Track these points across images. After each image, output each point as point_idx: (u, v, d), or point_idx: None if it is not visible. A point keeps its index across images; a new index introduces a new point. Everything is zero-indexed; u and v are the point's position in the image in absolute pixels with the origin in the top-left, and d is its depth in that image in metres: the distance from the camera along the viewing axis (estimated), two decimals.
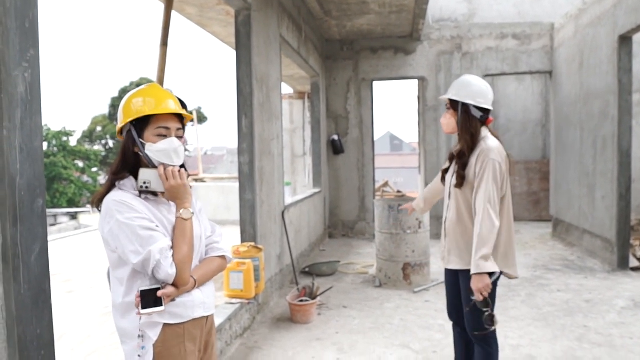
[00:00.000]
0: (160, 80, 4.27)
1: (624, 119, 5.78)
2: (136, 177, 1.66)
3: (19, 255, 1.68)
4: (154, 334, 1.61)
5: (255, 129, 4.40)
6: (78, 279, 6.44)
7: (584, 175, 6.81)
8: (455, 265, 2.61)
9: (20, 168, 1.68)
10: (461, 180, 2.52)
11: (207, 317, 1.77)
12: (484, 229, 2.38)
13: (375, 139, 9.19)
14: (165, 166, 1.65)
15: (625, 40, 5.72)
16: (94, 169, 30.42)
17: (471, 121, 2.51)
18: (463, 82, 2.58)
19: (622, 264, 5.81)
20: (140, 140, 1.65)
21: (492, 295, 2.48)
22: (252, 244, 4.21)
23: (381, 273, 5.51)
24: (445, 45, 8.34)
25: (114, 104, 32.30)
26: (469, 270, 2.47)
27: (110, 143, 32.90)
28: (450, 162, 2.74)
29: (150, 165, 1.66)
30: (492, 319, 2.42)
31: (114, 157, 31.44)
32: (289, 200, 6.06)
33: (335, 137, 8.64)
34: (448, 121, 2.60)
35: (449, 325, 2.93)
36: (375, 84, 8.79)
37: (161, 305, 1.56)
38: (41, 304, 1.77)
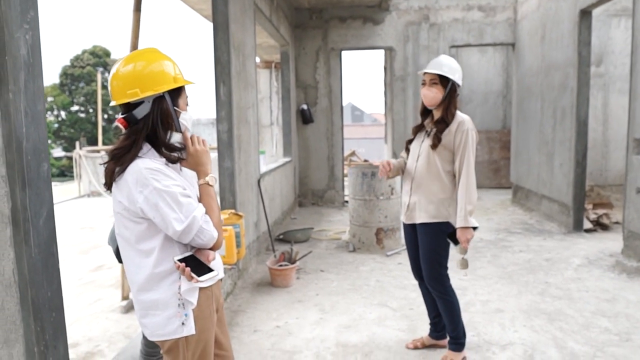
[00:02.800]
0: (134, 47, 4.17)
1: (582, 90, 6.09)
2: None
3: (29, 219, 1.68)
4: (194, 299, 1.64)
5: (233, 97, 4.39)
6: None
7: (544, 144, 7.16)
8: (423, 219, 2.85)
9: (26, 132, 1.68)
10: (437, 142, 2.79)
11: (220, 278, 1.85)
12: (469, 188, 2.72)
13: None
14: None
15: (585, 14, 5.98)
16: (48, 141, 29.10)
17: (456, 97, 2.84)
18: (450, 63, 2.83)
19: (577, 226, 6.23)
20: (175, 107, 1.65)
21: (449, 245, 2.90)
22: (233, 211, 4.26)
23: (355, 238, 5.70)
24: (413, 15, 8.43)
25: (65, 73, 30.76)
26: (436, 224, 2.81)
27: (63, 114, 31.45)
28: (414, 135, 3.03)
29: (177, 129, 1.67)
30: (466, 263, 2.89)
31: (66, 129, 30.22)
32: (263, 168, 6.10)
33: (305, 107, 8.66)
34: (435, 95, 2.81)
35: None
36: (341, 53, 8.82)
37: (210, 270, 1.60)
38: (50, 267, 1.79)
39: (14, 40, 1.63)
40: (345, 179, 10.14)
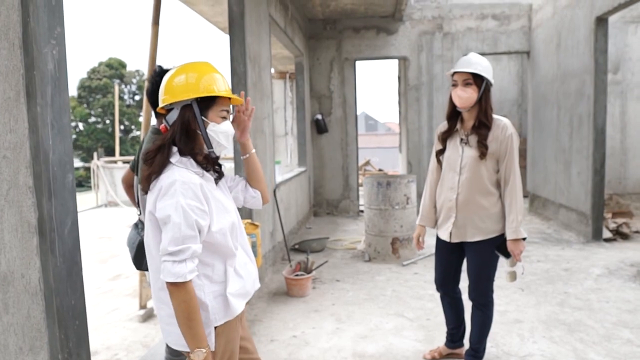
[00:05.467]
0: (153, 60, 4.26)
1: (600, 97, 6.03)
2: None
3: (55, 228, 1.73)
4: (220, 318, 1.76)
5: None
6: None
7: (560, 152, 7.09)
8: (477, 237, 2.70)
9: (52, 144, 1.72)
10: (485, 150, 2.62)
11: None
12: (518, 197, 2.61)
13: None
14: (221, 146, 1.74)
15: (601, 21, 5.94)
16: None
17: (491, 98, 2.68)
18: (481, 61, 2.66)
19: (596, 236, 6.13)
20: (203, 118, 1.66)
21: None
22: (249, 220, 4.29)
23: (370, 248, 5.68)
24: (427, 25, 8.45)
25: (83, 85, 31.34)
26: (490, 240, 2.67)
27: (80, 126, 31.99)
28: (444, 143, 2.83)
29: (207, 144, 1.69)
30: (515, 275, 2.76)
31: (84, 140, 30.69)
32: (279, 178, 6.13)
33: (319, 117, 8.70)
34: (470, 95, 2.61)
35: (438, 295, 3.12)
36: (355, 63, 8.86)
37: None
38: (74, 276, 1.83)
39: (42, 55, 1.68)
40: (360, 188, 10.14)
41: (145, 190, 1.66)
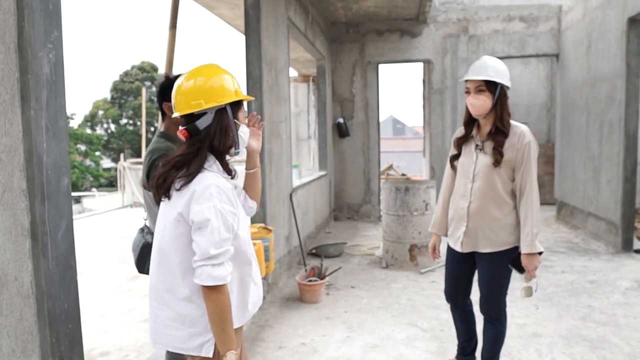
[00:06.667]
0: (170, 62, 4.30)
1: (631, 102, 5.77)
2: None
3: (47, 232, 1.72)
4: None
5: (265, 111, 4.42)
6: (87, 261, 6.54)
7: (590, 159, 6.82)
8: (489, 249, 2.58)
9: (46, 147, 1.72)
10: (501, 159, 2.50)
11: None
12: (534, 209, 2.46)
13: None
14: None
15: (634, 22, 5.68)
16: (97, 153, 30.47)
17: (508, 103, 2.56)
18: (495, 64, 2.54)
19: (626, 246, 5.86)
20: (235, 121, 1.70)
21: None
22: (262, 225, 4.26)
23: (388, 254, 5.58)
24: (452, 27, 8.29)
25: (115, 88, 32.19)
26: (502, 252, 2.55)
27: (112, 127, 32.86)
28: (459, 148, 2.73)
29: (236, 146, 1.72)
30: (531, 291, 2.58)
31: (115, 141, 31.51)
32: (296, 182, 6.10)
33: (341, 120, 8.65)
34: (483, 103, 2.51)
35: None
36: (379, 67, 8.77)
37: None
38: (68, 280, 1.82)
39: (37, 59, 1.68)
40: (382, 193, 10.02)
41: (166, 191, 1.66)
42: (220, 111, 1.65)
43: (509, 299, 4.39)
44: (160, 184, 1.67)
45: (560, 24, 7.98)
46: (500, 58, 8.30)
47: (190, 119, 1.66)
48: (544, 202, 9.92)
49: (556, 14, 8.00)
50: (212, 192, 1.57)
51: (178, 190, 1.62)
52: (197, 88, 1.65)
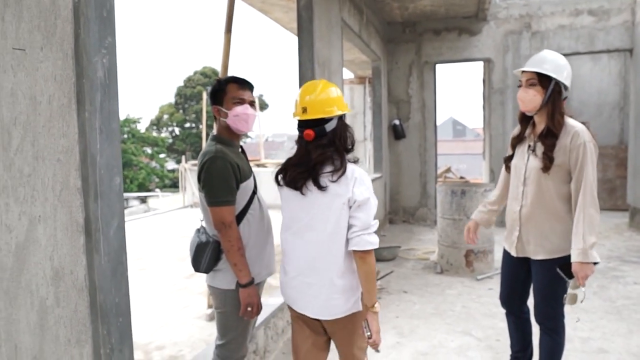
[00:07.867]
0: (225, 67, 4.39)
1: None
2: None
3: (100, 229, 1.81)
4: None
5: None
6: (149, 258, 6.84)
7: None
8: (541, 256, 2.45)
9: (100, 148, 1.81)
10: (550, 164, 2.34)
11: None
12: (590, 216, 2.27)
13: (437, 124, 8.99)
14: None
15: None
16: (162, 155, 31.92)
17: (562, 100, 2.39)
18: (555, 59, 2.40)
19: None
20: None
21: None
22: None
23: (443, 259, 5.42)
24: (513, 24, 7.95)
25: (179, 93, 33.58)
26: (555, 259, 2.40)
27: (177, 130, 34.29)
28: (514, 149, 2.61)
29: (352, 146, 2.03)
30: (575, 298, 2.38)
31: (180, 144, 32.88)
32: None
33: (397, 122, 8.52)
34: (532, 98, 2.37)
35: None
36: (437, 67, 8.56)
37: None
38: (119, 275, 1.90)
39: (92, 64, 1.77)
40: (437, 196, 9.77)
41: (316, 183, 1.94)
42: (342, 117, 2.00)
43: (570, 309, 4.15)
44: (302, 176, 1.96)
45: (634, 16, 7.43)
46: (567, 55, 7.85)
47: (317, 123, 1.94)
48: (615, 208, 9.29)
49: (630, 6, 7.46)
50: (363, 178, 1.94)
51: (335, 181, 1.91)
52: (330, 97, 1.98)
